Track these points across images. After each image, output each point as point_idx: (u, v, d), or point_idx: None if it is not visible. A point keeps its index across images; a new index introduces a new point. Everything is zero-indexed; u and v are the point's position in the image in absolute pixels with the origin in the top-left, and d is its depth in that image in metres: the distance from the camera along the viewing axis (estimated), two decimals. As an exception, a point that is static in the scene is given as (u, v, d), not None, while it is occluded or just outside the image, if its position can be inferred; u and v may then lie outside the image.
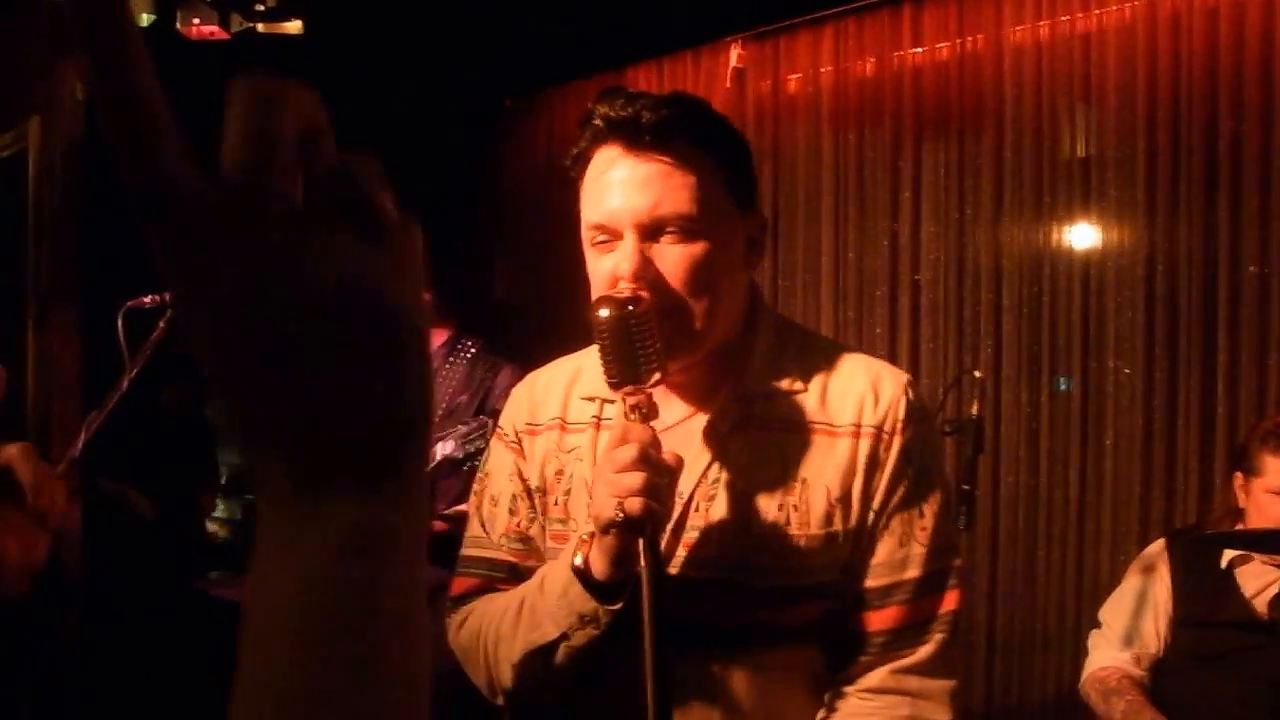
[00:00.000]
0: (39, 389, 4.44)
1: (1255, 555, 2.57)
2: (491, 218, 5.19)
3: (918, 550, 1.43)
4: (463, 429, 2.90)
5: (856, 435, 1.43)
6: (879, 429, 1.43)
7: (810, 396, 1.45)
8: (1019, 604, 3.65)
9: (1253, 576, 2.57)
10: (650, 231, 1.36)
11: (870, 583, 1.43)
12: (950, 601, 1.44)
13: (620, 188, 1.36)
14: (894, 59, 3.99)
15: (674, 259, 1.36)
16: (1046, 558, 3.61)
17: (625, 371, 1.30)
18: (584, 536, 1.35)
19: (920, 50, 3.93)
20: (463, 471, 3.08)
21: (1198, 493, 3.31)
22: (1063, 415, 3.61)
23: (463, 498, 3.08)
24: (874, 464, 1.42)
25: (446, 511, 3.05)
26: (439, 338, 3.27)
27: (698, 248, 1.36)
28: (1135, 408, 3.44)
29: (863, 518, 1.42)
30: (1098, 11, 3.56)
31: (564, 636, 1.36)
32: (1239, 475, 2.69)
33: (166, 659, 3.17)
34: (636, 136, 1.35)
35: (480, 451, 2.80)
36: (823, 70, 4.17)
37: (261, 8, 3.05)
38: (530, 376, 1.64)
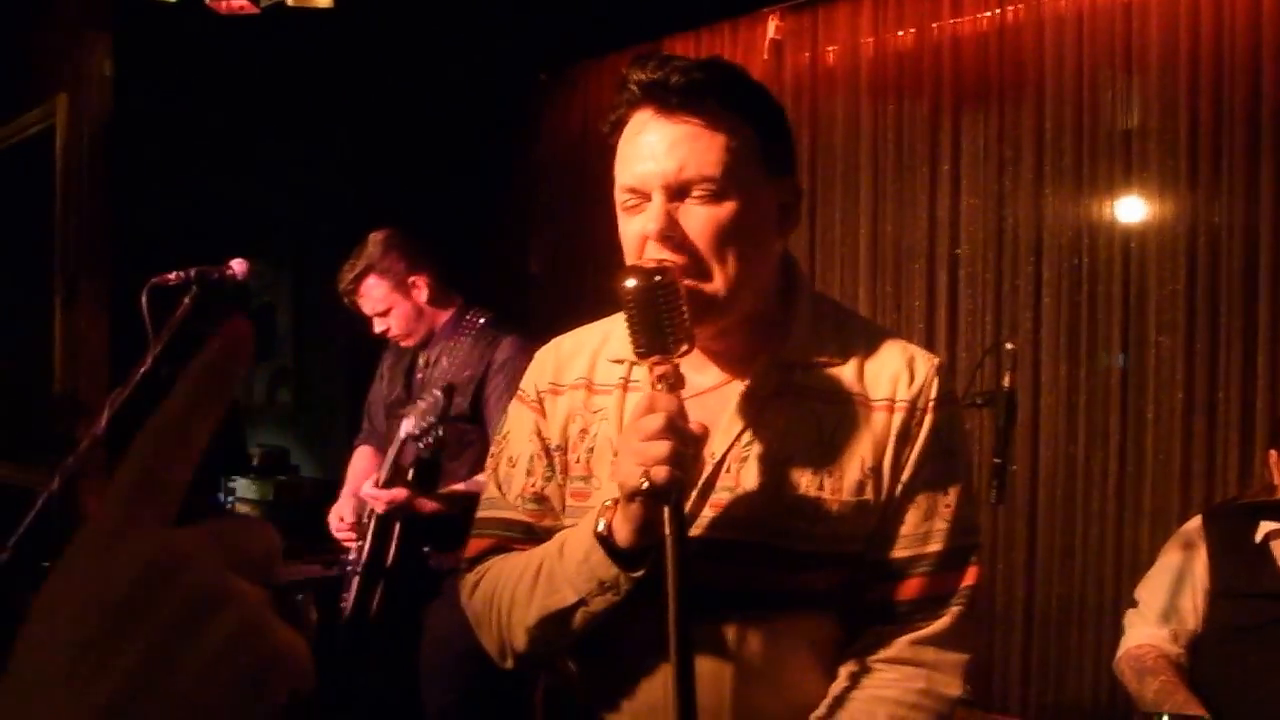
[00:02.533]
0: (67, 365, 4.49)
1: (1290, 529, 2.54)
2: (526, 192, 5.18)
3: (941, 526, 1.46)
4: (422, 405, 2.88)
5: (890, 409, 1.46)
6: (912, 404, 1.46)
7: (847, 370, 1.48)
8: (1057, 579, 3.62)
9: (1288, 551, 2.54)
10: (677, 192, 1.37)
11: (893, 554, 1.45)
12: (970, 577, 1.47)
13: (649, 150, 1.38)
14: (933, 29, 3.94)
15: (700, 220, 1.37)
16: (1085, 532, 3.57)
17: (652, 342, 1.31)
18: (607, 503, 1.36)
19: (960, 20, 3.88)
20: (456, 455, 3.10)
21: (1238, 467, 3.26)
22: (1102, 389, 3.56)
23: (455, 477, 3.09)
24: (905, 437, 1.45)
25: (442, 491, 3.06)
26: (445, 313, 3.27)
27: (724, 209, 1.37)
28: (1176, 382, 3.39)
29: (891, 490, 1.45)
30: (1139, -21, 3.49)
31: (582, 602, 1.37)
32: (1274, 453, 2.65)
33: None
34: (666, 99, 1.37)
35: (434, 428, 2.80)
36: (861, 41, 4.13)
37: (292, -18, 3.05)
38: (555, 340, 1.66)
